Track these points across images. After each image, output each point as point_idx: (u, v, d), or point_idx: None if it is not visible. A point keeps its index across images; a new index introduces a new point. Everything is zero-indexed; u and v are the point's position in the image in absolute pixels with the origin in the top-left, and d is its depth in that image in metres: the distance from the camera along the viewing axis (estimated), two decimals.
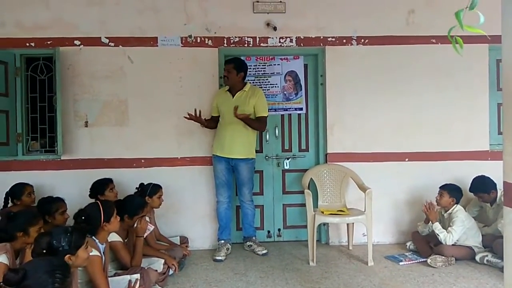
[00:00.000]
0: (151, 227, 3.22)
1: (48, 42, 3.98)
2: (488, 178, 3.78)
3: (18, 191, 3.49)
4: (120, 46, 4.04)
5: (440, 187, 3.78)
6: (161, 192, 3.65)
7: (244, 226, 4.05)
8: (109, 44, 4.04)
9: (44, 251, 2.00)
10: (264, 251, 3.89)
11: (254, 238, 4.03)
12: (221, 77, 4.07)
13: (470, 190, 3.89)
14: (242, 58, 4.07)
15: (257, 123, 3.86)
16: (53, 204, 3.17)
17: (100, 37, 4.03)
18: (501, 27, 1.88)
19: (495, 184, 3.73)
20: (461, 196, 3.77)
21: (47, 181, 3.93)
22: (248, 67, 4.18)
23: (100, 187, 3.60)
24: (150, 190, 3.58)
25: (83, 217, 2.54)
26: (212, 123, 3.99)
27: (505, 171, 1.85)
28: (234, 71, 3.81)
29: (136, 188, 3.63)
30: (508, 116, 1.84)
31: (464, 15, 1.41)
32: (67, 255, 2.03)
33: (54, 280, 1.57)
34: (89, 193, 3.59)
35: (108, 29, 4.04)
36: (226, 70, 3.84)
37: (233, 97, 3.87)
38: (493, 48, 4.15)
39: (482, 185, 3.80)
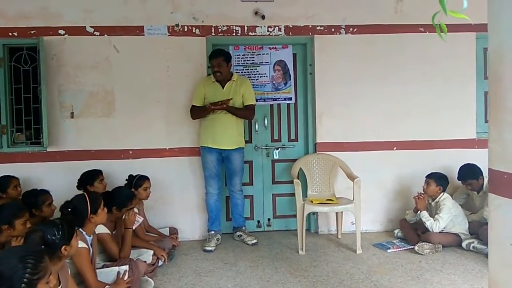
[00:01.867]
0: (140, 219, 3.20)
1: (32, 32, 3.89)
2: (475, 165, 3.82)
3: (3, 184, 3.43)
4: (106, 35, 3.97)
5: (426, 176, 3.81)
6: (148, 183, 3.62)
7: (234, 216, 4.04)
8: (94, 33, 3.97)
9: (42, 246, 1.98)
10: (254, 241, 3.90)
11: (244, 228, 4.03)
12: (209, 66, 4.00)
13: (459, 178, 3.93)
14: (230, 47, 4.07)
15: (243, 111, 3.83)
16: (39, 197, 3.13)
17: (85, 26, 3.95)
18: (487, 15, 1.87)
19: (481, 171, 3.78)
20: (447, 184, 3.81)
21: (34, 174, 3.87)
22: (237, 56, 4.16)
23: (89, 178, 3.56)
24: (135, 182, 3.55)
25: (69, 209, 2.51)
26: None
27: (490, 158, 1.86)
28: (224, 63, 3.75)
29: (126, 179, 3.61)
30: (494, 103, 1.85)
31: (450, 1, 1.40)
32: (63, 246, 2.03)
33: (25, 265, 1.54)
34: (77, 184, 3.55)
35: (93, 18, 3.96)
36: (217, 65, 3.72)
37: (223, 88, 3.82)
38: (480, 37, 4.17)
39: (471, 172, 3.83)
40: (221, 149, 3.84)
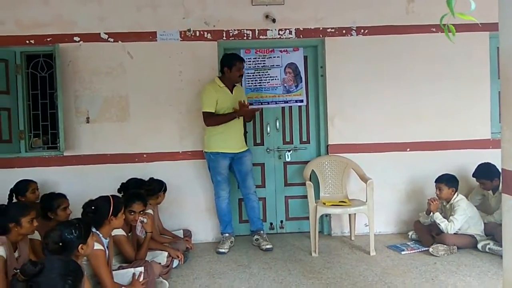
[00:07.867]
0: (144, 219, 3.15)
1: (48, 39, 3.99)
2: (494, 165, 3.76)
3: (22, 188, 3.52)
4: (120, 41, 4.05)
5: (436, 182, 3.77)
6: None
7: (252, 220, 3.99)
8: (109, 39, 4.04)
9: (60, 244, 2.06)
10: (268, 246, 3.81)
11: (261, 232, 3.96)
12: (220, 70, 4.01)
13: (474, 175, 3.89)
14: (241, 51, 4.14)
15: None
16: (54, 200, 3.20)
17: (99, 33, 4.03)
18: (498, 14, 1.87)
19: (499, 172, 3.70)
20: (458, 183, 3.77)
21: (50, 178, 3.95)
22: (248, 60, 4.19)
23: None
24: (164, 187, 3.73)
25: (92, 207, 2.57)
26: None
27: (503, 158, 1.85)
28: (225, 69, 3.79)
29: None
30: (506, 103, 1.85)
31: (460, 2, 1.41)
32: (80, 245, 2.11)
33: (65, 283, 1.62)
34: (118, 187, 3.57)
35: (107, 25, 4.04)
36: (242, 68, 3.82)
37: (231, 92, 3.84)
38: (493, 36, 4.11)
39: (487, 171, 3.79)
40: (236, 153, 3.86)
